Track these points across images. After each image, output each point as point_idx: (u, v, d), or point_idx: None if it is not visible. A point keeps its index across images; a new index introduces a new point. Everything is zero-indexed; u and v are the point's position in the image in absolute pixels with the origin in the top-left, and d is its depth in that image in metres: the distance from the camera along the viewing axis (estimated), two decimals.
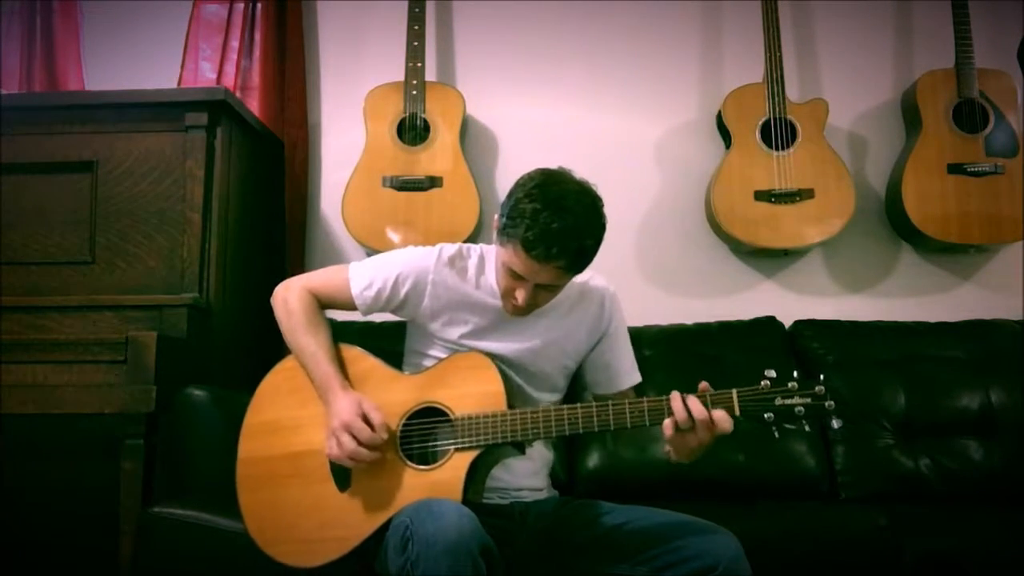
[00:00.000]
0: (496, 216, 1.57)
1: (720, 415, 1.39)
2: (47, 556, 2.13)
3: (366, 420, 1.51)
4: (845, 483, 2.17)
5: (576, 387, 1.82)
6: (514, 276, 1.55)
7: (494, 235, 1.59)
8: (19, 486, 2.13)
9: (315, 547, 1.50)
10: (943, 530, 1.88)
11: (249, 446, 1.64)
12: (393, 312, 1.72)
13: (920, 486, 2.14)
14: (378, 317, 1.84)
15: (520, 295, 1.55)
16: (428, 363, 1.65)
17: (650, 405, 1.45)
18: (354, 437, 1.49)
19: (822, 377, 1.41)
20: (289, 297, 1.70)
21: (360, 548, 1.48)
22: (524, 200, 1.49)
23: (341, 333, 1.71)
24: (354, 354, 1.66)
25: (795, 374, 1.41)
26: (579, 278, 1.73)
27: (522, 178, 1.55)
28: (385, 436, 1.51)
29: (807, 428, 1.40)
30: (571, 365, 1.75)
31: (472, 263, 1.70)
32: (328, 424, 1.54)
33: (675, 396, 1.42)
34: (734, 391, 1.41)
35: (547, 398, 1.70)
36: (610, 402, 1.49)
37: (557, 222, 1.46)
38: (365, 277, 1.69)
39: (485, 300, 1.67)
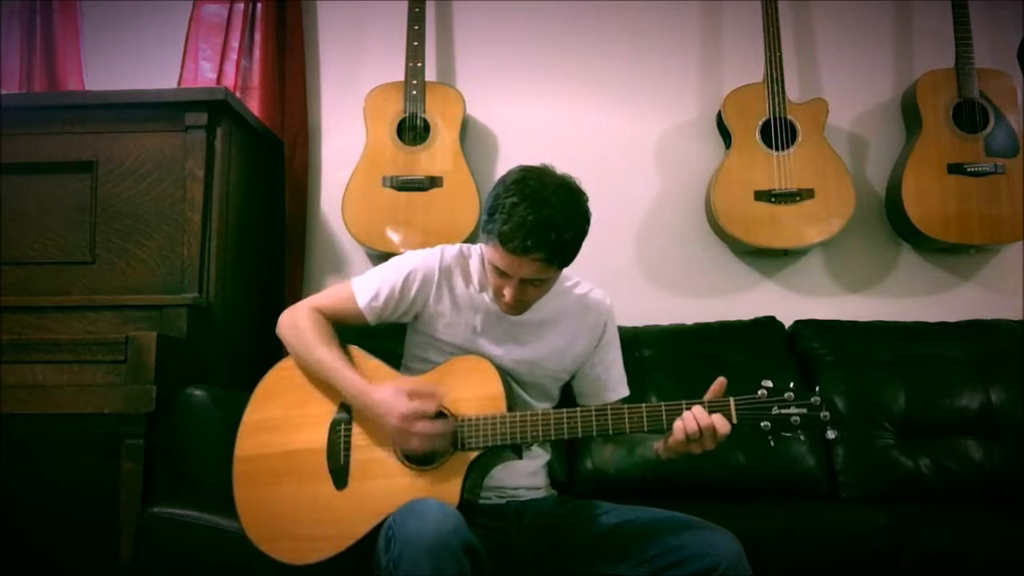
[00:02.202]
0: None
1: (719, 420, 1.41)
2: (47, 556, 2.13)
3: (418, 397, 1.49)
4: (845, 483, 2.17)
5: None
6: (499, 273, 1.56)
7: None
8: (19, 486, 2.13)
9: (311, 545, 1.50)
10: (943, 530, 1.87)
11: (247, 443, 1.64)
12: (400, 318, 1.71)
13: (920, 486, 2.14)
14: None
15: (507, 292, 1.55)
16: (427, 367, 1.65)
17: (649, 411, 1.46)
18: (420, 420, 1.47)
19: (818, 388, 1.43)
20: (297, 319, 1.68)
21: (356, 547, 1.48)
22: (503, 195, 1.51)
23: (341, 335, 1.70)
24: (357, 355, 1.66)
25: (792, 384, 1.42)
26: (580, 289, 1.74)
27: (503, 175, 1.56)
28: (442, 399, 1.51)
29: (802, 438, 1.42)
30: (565, 377, 1.75)
31: (474, 263, 1.71)
32: (385, 424, 1.51)
33: (687, 414, 1.42)
34: (731, 399, 1.43)
35: (540, 407, 1.70)
36: (609, 407, 1.49)
37: (533, 214, 1.47)
38: (371, 288, 1.69)
39: (487, 302, 1.67)
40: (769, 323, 2.45)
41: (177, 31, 2.80)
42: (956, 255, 2.64)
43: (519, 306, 1.60)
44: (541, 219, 1.47)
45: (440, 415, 1.53)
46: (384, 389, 1.53)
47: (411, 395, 1.50)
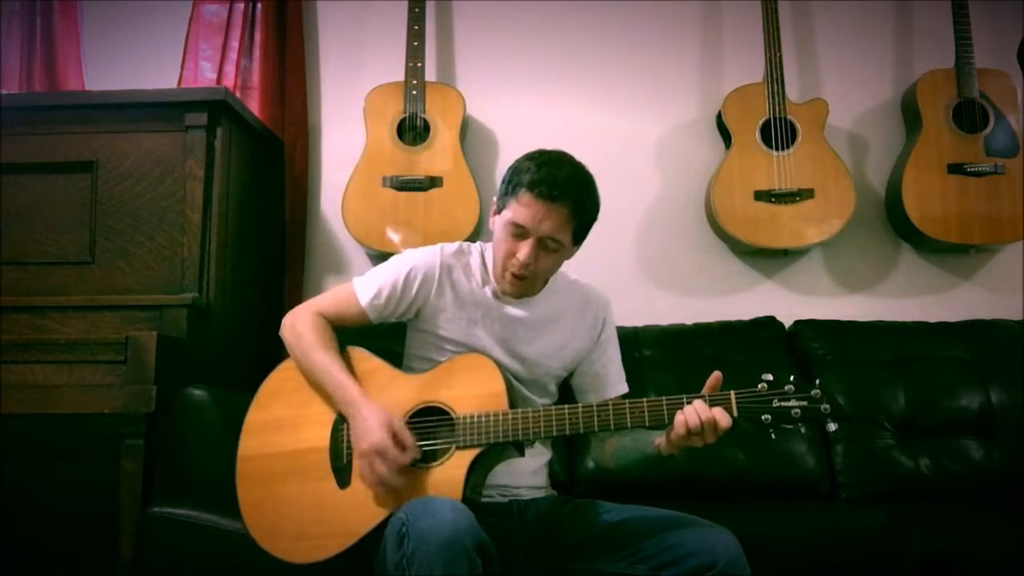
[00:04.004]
0: (495, 199, 1.65)
1: (719, 413, 1.41)
2: (47, 556, 2.13)
3: (396, 440, 1.48)
4: (845, 483, 2.17)
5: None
6: (516, 234, 1.58)
7: (491, 220, 1.67)
8: (19, 486, 2.13)
9: (314, 544, 1.51)
10: (943, 530, 1.87)
11: (250, 443, 1.64)
12: (402, 316, 1.72)
13: (920, 486, 2.14)
14: None
15: (523, 251, 1.57)
16: (428, 367, 1.65)
17: (650, 406, 1.47)
18: (385, 461, 1.47)
19: (818, 381, 1.44)
20: (297, 322, 1.68)
21: (359, 545, 1.48)
22: (525, 162, 1.60)
23: (342, 334, 1.71)
24: (359, 355, 1.67)
25: (792, 377, 1.43)
26: (578, 286, 1.77)
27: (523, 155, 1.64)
28: (417, 456, 1.50)
29: (803, 430, 1.43)
30: (564, 374, 1.76)
31: (475, 260, 1.72)
32: (357, 443, 1.51)
33: (689, 408, 1.43)
34: (732, 393, 1.44)
35: (539, 402, 1.71)
36: (610, 403, 1.50)
37: (559, 171, 1.57)
38: (372, 287, 1.69)
39: (488, 298, 1.68)
40: (769, 323, 2.45)
41: (177, 31, 2.80)
42: (956, 255, 2.64)
43: (527, 276, 1.61)
44: (567, 174, 1.58)
45: (441, 412, 1.53)
46: (373, 409, 1.52)
47: (396, 434, 1.48)
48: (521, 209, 1.57)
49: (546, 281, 1.72)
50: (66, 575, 2.14)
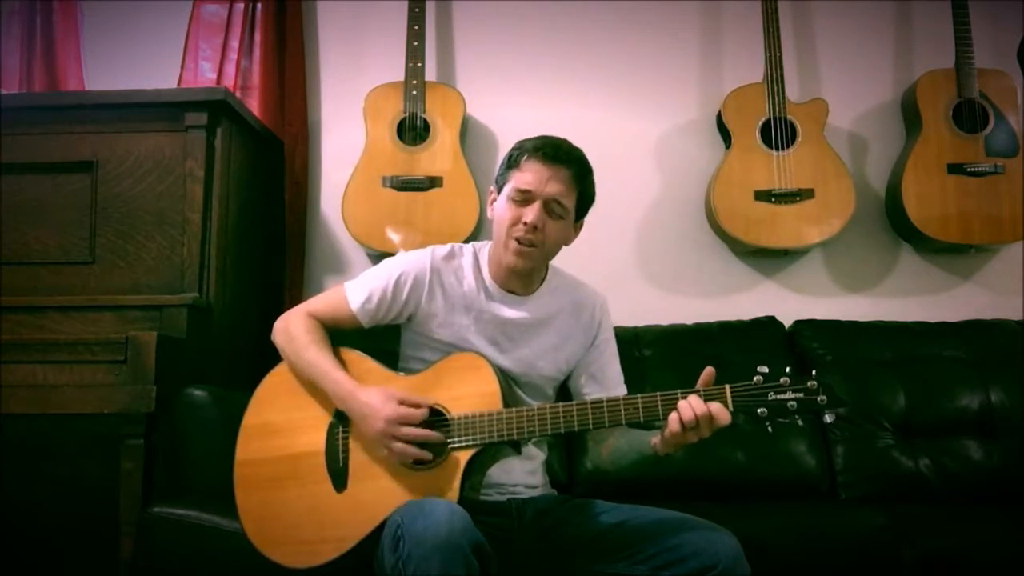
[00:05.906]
0: (492, 187, 1.69)
1: (717, 408, 1.40)
2: (47, 556, 2.13)
3: (404, 405, 1.50)
4: (845, 483, 2.17)
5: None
6: (521, 200, 1.60)
7: (489, 210, 1.69)
8: (19, 486, 2.13)
9: (313, 548, 1.50)
10: (943, 530, 1.88)
11: (247, 447, 1.64)
12: (393, 320, 1.72)
13: (920, 486, 2.14)
14: None
15: (530, 214, 1.59)
16: (422, 367, 1.65)
17: (644, 402, 1.46)
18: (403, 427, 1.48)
19: (814, 372, 1.43)
20: (289, 325, 1.69)
21: (358, 548, 1.48)
22: (523, 140, 1.65)
23: (338, 336, 1.71)
24: (353, 356, 1.66)
25: (787, 369, 1.42)
26: (574, 288, 1.76)
27: None
28: (427, 414, 1.51)
29: (800, 423, 1.42)
30: (560, 377, 1.75)
31: (467, 260, 1.71)
32: (369, 428, 1.51)
33: (683, 403, 1.42)
34: (727, 386, 1.43)
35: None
36: (604, 400, 1.50)
37: (560, 140, 1.65)
38: (363, 291, 1.69)
39: (481, 301, 1.68)
40: (769, 323, 2.45)
41: (177, 31, 2.80)
42: (956, 255, 2.64)
43: (535, 243, 1.61)
44: (568, 143, 1.65)
45: (436, 413, 1.53)
46: (371, 392, 1.53)
47: (401, 401, 1.50)
48: (525, 175, 1.60)
49: (544, 279, 1.72)
50: (66, 575, 2.13)
